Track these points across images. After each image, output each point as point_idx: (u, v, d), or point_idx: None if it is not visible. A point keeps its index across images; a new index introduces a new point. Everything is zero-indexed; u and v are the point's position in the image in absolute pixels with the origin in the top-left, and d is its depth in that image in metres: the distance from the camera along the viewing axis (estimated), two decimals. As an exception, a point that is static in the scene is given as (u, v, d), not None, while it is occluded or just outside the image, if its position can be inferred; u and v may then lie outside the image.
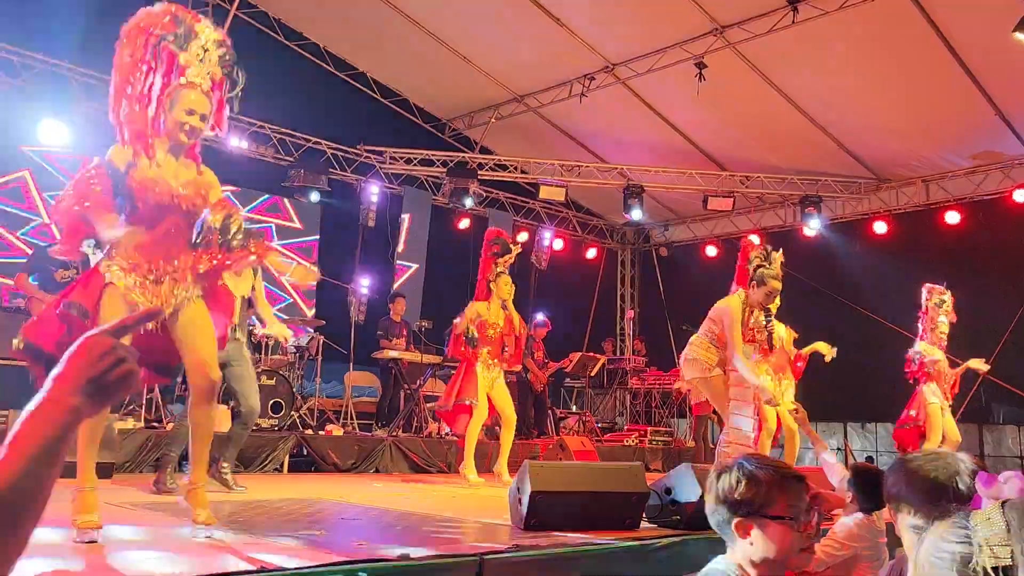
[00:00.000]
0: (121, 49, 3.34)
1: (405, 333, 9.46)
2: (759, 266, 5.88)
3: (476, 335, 6.58)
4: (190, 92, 3.38)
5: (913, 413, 7.36)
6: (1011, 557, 1.09)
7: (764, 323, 5.87)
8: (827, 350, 7.08)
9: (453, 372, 9.38)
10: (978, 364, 7.49)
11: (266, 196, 10.92)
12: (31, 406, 0.83)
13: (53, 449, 0.81)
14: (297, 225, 11.16)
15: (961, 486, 1.33)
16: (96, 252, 3.79)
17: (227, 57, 3.48)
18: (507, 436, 6.74)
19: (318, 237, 11.31)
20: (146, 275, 3.30)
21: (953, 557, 1.14)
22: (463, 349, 6.65)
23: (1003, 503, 1.15)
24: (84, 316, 3.18)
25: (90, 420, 3.02)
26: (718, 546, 2.00)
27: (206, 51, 3.41)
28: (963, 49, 8.84)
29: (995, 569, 1.10)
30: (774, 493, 1.80)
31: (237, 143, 10.29)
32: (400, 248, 11.68)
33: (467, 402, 6.53)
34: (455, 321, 6.86)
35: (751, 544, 1.82)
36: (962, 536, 1.15)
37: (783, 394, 6.37)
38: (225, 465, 5.44)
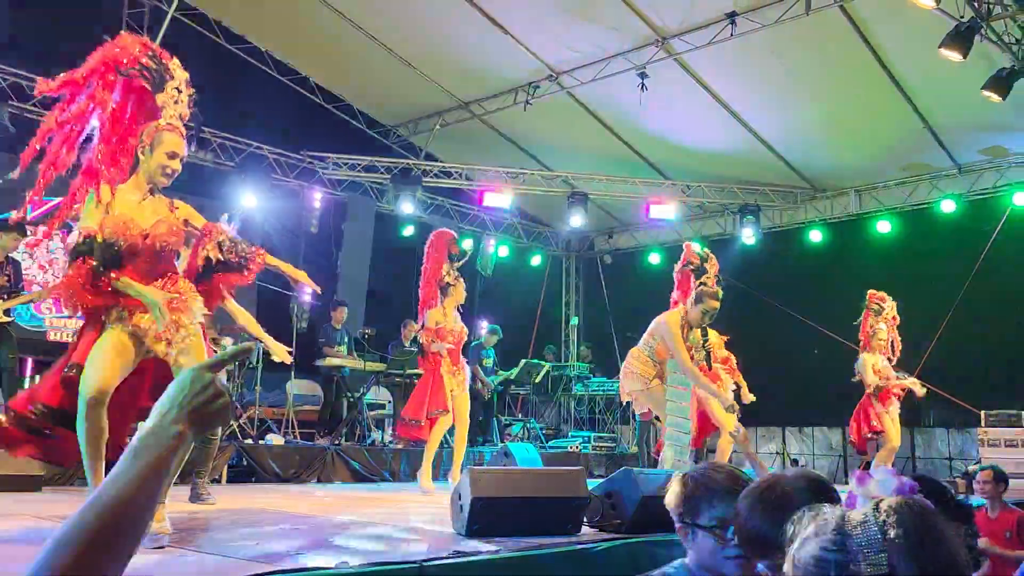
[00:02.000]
0: (91, 77, 3.30)
1: (346, 340, 9.36)
2: (700, 283, 6.07)
3: (445, 349, 6.52)
4: (172, 135, 3.40)
5: (875, 423, 7.55)
6: (886, 565, 1.02)
7: (702, 342, 6.02)
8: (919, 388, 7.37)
9: (398, 379, 9.37)
10: (916, 385, 7.71)
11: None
12: (143, 433, 0.97)
13: (164, 469, 0.96)
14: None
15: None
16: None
17: (193, 98, 3.53)
18: (460, 442, 6.69)
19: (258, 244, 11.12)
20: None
21: (828, 565, 1.05)
22: (428, 357, 6.58)
23: (877, 504, 1.08)
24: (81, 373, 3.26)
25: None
26: (659, 549, 2.03)
27: (179, 91, 3.45)
28: (894, 64, 9.14)
29: None
30: (703, 503, 1.83)
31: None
32: (343, 255, 11.55)
33: (437, 413, 6.43)
34: (419, 334, 6.82)
35: (690, 549, 1.88)
36: (838, 543, 1.05)
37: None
38: (199, 480, 5.38)
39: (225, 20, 10.61)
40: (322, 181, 11.44)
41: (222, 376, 1.08)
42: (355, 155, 11.54)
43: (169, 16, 8.80)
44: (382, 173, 11.53)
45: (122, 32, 3.43)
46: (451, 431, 6.84)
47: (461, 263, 6.81)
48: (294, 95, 11.22)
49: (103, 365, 3.26)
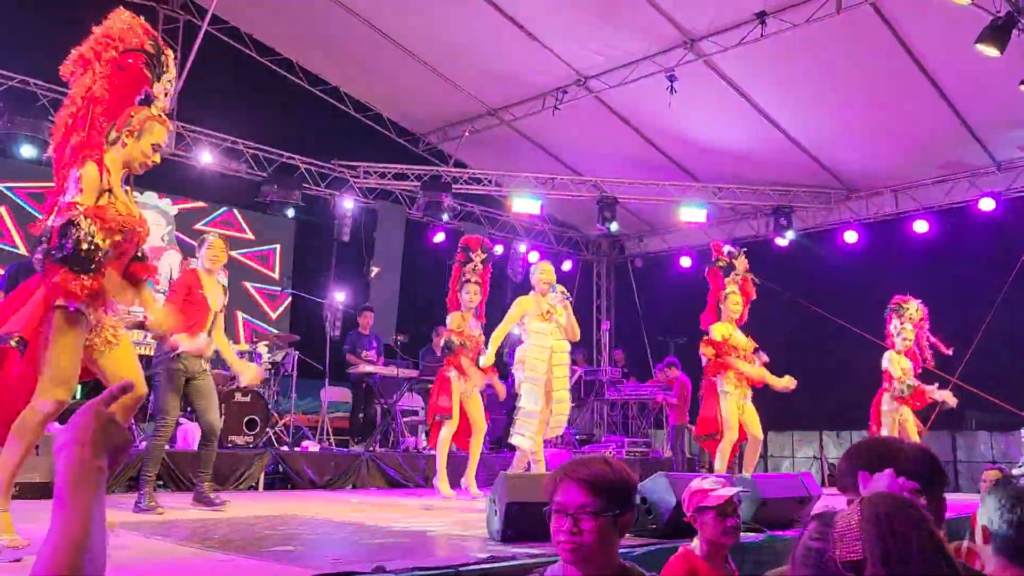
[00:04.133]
0: (93, 54, 3.26)
1: (375, 346, 9.41)
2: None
3: (456, 342, 6.53)
4: (162, 128, 3.38)
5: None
6: (860, 551, 1.19)
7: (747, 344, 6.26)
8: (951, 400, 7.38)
9: (430, 385, 9.40)
10: (948, 397, 7.58)
11: (223, 209, 10.91)
12: (67, 473, 1.05)
13: (98, 503, 1.05)
14: (249, 236, 11.10)
15: None
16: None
17: (169, 94, 3.47)
18: (474, 448, 6.66)
19: (276, 247, 11.30)
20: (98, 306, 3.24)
21: (812, 553, 1.24)
22: (448, 357, 6.62)
23: (863, 498, 1.25)
24: (23, 348, 3.03)
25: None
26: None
27: (170, 83, 3.43)
28: (928, 61, 9.01)
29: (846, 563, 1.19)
30: (548, 487, 1.90)
31: (208, 159, 10.25)
32: (375, 263, 11.64)
33: (439, 419, 6.47)
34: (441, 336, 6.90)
35: None
36: (821, 533, 1.24)
37: (746, 400, 6.50)
38: (205, 484, 5.39)
39: (256, 33, 10.78)
40: (353, 190, 11.55)
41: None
42: (385, 163, 11.64)
43: (203, 31, 8.93)
44: (412, 181, 11.61)
45: (120, 8, 3.35)
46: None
47: (472, 267, 6.72)
48: (325, 105, 11.37)
49: (74, 374, 3.17)
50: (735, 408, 6.42)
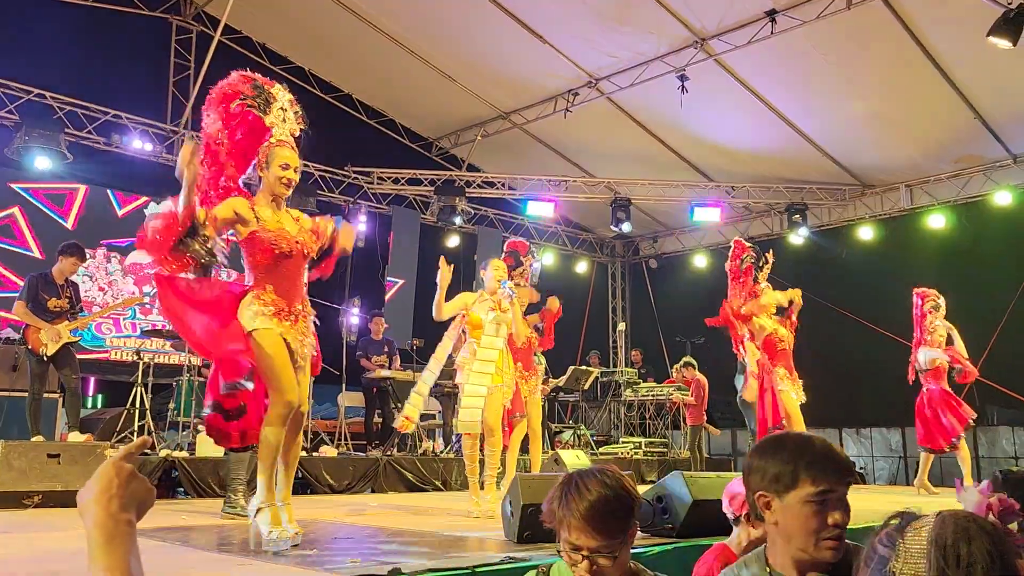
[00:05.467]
0: (210, 112, 3.73)
1: (387, 351, 9.44)
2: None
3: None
4: (283, 149, 3.76)
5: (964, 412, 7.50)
6: (924, 571, 1.05)
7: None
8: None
9: (446, 390, 9.41)
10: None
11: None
12: (97, 531, 1.06)
13: (135, 557, 1.07)
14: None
15: None
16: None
17: (300, 114, 3.90)
18: (534, 452, 6.48)
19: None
20: (286, 319, 3.68)
21: (874, 558, 1.11)
22: None
23: (940, 513, 1.11)
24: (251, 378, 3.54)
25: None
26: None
27: (284, 111, 3.82)
28: (941, 55, 8.94)
29: None
30: (548, 517, 1.90)
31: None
32: (390, 269, 11.69)
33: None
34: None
35: None
36: (891, 541, 1.11)
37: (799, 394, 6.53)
38: (239, 492, 5.31)
39: (269, 42, 10.86)
40: (367, 196, 11.61)
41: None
42: (399, 168, 11.68)
43: (215, 41, 9.03)
44: (426, 186, 11.66)
45: (232, 74, 3.82)
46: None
47: (527, 269, 6.57)
48: (337, 112, 11.42)
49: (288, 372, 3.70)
50: (795, 401, 6.39)
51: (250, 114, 3.73)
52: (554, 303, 6.51)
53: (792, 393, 6.42)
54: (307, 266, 3.86)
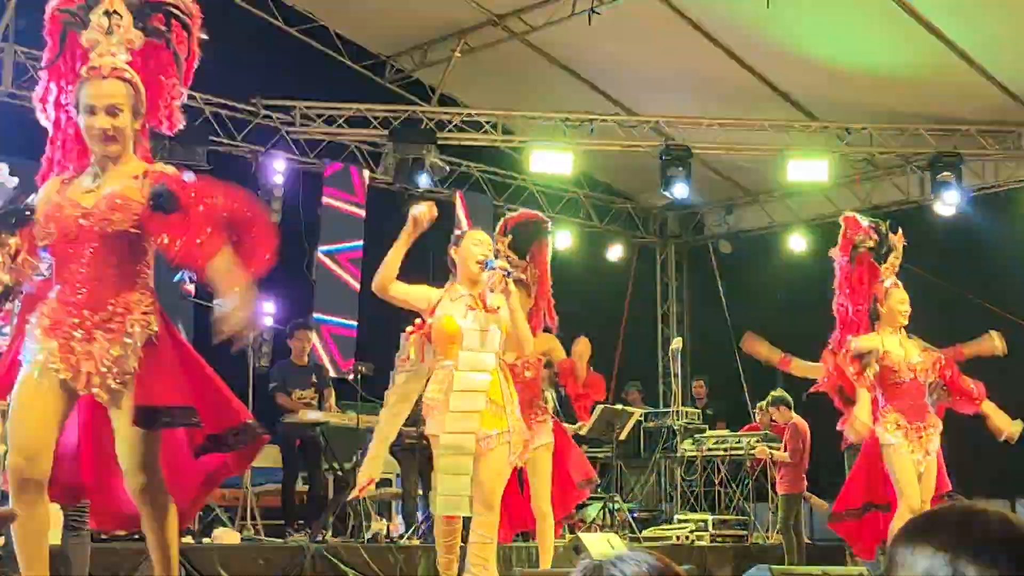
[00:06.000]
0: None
1: (315, 382, 9.41)
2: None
3: None
4: (93, 83, 3.61)
5: None
6: None
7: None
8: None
9: (409, 441, 9.36)
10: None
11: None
12: None
13: None
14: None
15: None
16: None
17: (147, 10, 3.70)
18: (542, 536, 6.78)
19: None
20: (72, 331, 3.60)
21: None
22: None
23: None
24: None
25: None
26: None
27: (113, 13, 3.63)
28: None
29: None
30: None
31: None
32: (320, 252, 11.59)
33: None
34: None
35: None
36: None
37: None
38: None
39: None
40: (286, 143, 11.54)
41: None
42: (335, 103, 11.62)
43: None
44: (376, 127, 11.60)
45: None
46: None
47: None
48: (241, 17, 11.27)
49: None
50: (910, 465, 6.34)
51: (65, 29, 3.69)
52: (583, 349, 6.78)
53: (906, 450, 6.38)
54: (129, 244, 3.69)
